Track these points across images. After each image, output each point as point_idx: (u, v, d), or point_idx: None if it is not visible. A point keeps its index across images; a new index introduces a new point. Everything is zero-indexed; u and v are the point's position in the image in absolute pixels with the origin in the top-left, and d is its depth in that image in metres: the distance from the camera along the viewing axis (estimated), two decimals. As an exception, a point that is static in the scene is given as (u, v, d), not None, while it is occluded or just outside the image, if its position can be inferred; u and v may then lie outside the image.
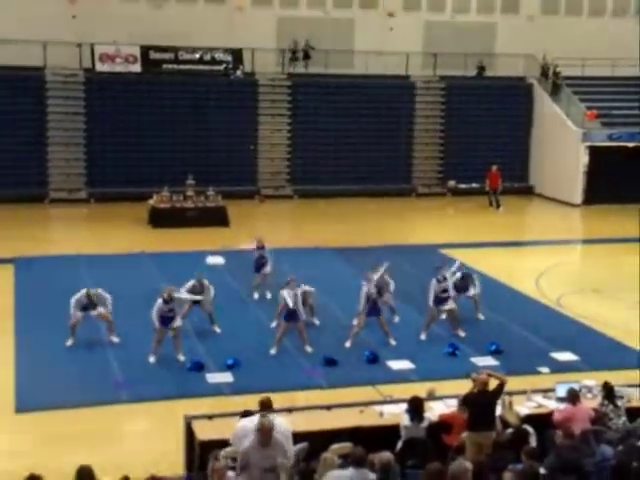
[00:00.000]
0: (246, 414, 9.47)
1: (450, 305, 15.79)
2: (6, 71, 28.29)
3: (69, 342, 14.87)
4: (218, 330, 15.80)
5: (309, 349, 14.84)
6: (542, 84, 32.67)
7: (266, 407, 9.36)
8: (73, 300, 15.04)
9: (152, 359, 14.26)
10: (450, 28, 33.25)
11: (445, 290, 15.72)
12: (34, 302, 17.31)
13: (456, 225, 27.48)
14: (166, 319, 14.28)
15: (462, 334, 15.74)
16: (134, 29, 29.31)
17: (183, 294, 15.34)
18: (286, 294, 14.84)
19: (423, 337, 15.72)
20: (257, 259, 17.89)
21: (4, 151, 28.10)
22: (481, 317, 16.93)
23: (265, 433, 8.26)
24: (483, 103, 32.49)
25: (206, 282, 15.89)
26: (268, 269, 17.86)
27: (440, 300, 15.69)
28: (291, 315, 14.76)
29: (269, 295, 17.77)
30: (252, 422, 8.93)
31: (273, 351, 14.76)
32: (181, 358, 14.33)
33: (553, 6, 34.39)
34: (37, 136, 28.63)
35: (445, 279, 15.82)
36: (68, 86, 29.19)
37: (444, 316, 16.11)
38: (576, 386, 11.04)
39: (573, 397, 10.25)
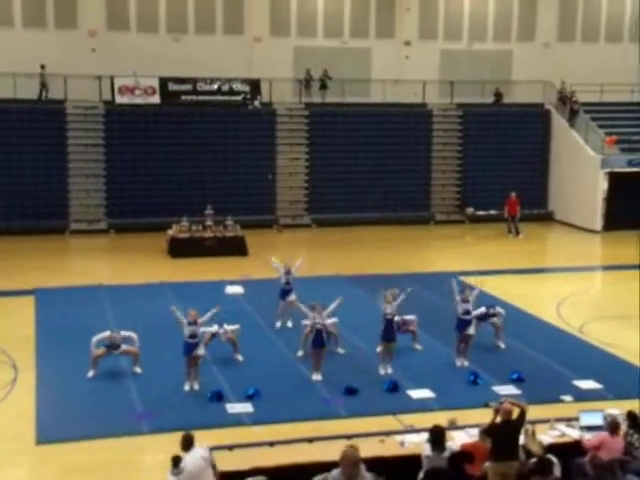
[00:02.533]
0: (176, 461, 9.47)
1: (471, 330, 15.68)
2: (28, 104, 28.69)
3: (90, 373, 14.90)
4: (241, 359, 15.78)
5: (319, 378, 14.79)
6: (560, 110, 32.66)
7: (188, 443, 9.50)
8: (95, 339, 15.10)
9: (187, 387, 14.31)
10: (466, 56, 33.45)
11: (467, 312, 15.60)
12: (55, 333, 17.37)
13: (475, 252, 27.38)
14: (190, 346, 14.29)
15: (465, 363, 15.58)
16: (153, 61, 29.68)
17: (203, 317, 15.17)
18: (310, 317, 15.03)
19: (459, 364, 15.60)
20: (284, 284, 17.92)
21: (25, 183, 28.42)
22: (502, 345, 16.81)
23: (349, 465, 7.86)
24: (501, 130, 32.54)
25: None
26: (293, 296, 17.87)
27: (462, 324, 15.59)
28: (318, 340, 14.81)
29: (290, 324, 17.76)
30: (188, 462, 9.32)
31: (316, 377, 14.77)
32: (195, 387, 14.33)
33: (569, 33, 34.52)
34: (58, 168, 28.91)
35: (468, 301, 15.68)
36: (88, 118, 29.51)
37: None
38: (600, 415, 10.93)
39: (612, 427, 10.11)
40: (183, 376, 14.39)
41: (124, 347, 15.11)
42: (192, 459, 9.49)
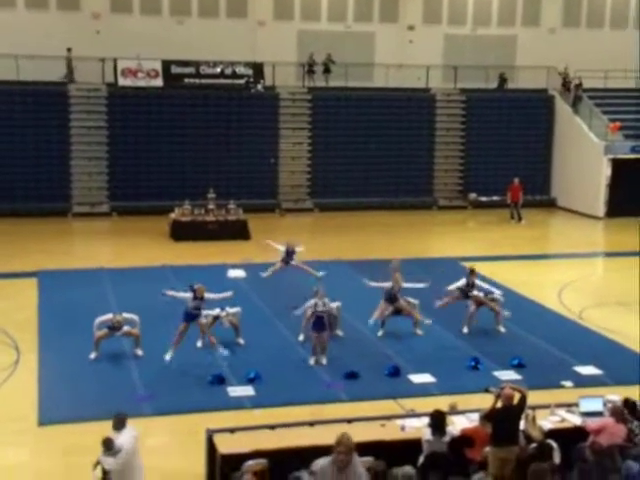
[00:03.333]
0: (109, 443, 9.45)
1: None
2: (31, 86, 28.64)
3: (93, 355, 14.96)
4: (242, 342, 15.82)
5: (323, 362, 14.83)
6: (564, 96, 32.56)
7: (121, 422, 9.67)
8: (97, 321, 15.15)
9: (168, 357, 14.39)
10: (470, 41, 33.33)
11: (471, 285, 16.34)
12: (57, 315, 17.41)
13: (478, 238, 27.38)
14: (191, 315, 14.40)
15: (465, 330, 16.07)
16: (156, 44, 29.58)
17: (213, 295, 15.37)
18: (312, 303, 15.05)
19: (465, 330, 16.13)
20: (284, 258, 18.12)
21: (28, 165, 28.42)
22: (502, 330, 16.85)
23: (344, 451, 7.81)
24: (504, 115, 32.46)
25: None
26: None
27: (466, 293, 16.29)
28: (319, 323, 14.84)
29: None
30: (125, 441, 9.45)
31: (312, 362, 14.81)
32: (221, 350, 14.64)
33: (574, 18, 34.36)
34: (60, 150, 28.90)
35: (474, 285, 16.25)
36: (91, 100, 29.47)
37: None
38: (600, 400, 10.96)
39: (616, 413, 10.14)
40: (184, 358, 14.42)
41: (126, 329, 15.17)
42: (127, 438, 9.55)
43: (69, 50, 28.88)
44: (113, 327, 15.05)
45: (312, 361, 14.84)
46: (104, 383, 13.95)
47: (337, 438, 7.95)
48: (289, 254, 18.65)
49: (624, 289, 20.15)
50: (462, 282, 16.77)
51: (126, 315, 15.37)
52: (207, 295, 14.91)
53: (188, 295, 14.71)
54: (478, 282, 16.87)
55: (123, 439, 9.50)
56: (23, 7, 29.72)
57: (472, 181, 32.23)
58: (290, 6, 32.02)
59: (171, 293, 14.91)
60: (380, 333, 16.06)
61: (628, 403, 10.48)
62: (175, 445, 12.13)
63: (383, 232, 27.24)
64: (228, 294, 15.60)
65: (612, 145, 30.20)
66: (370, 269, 21.08)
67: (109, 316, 15.21)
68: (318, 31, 32.10)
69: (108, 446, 9.38)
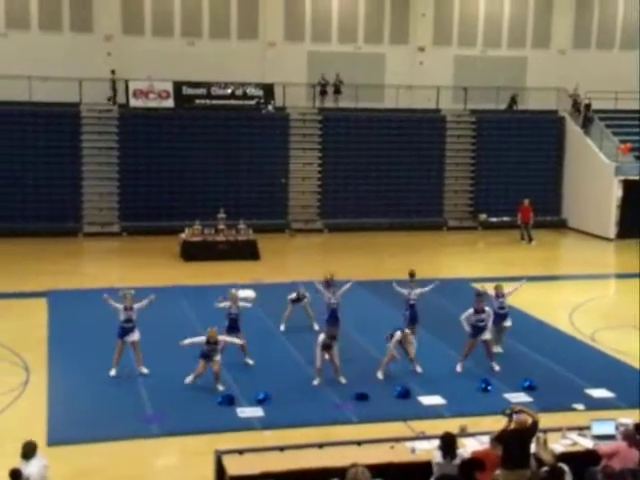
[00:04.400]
0: (16, 475, 8.99)
1: (486, 335, 15.66)
2: (43, 107, 28.83)
3: (112, 372, 15.07)
4: (251, 363, 15.79)
5: (343, 380, 14.82)
6: (574, 118, 32.57)
7: (31, 450, 9.41)
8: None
9: (188, 379, 14.55)
10: (481, 62, 33.42)
11: (482, 320, 15.61)
12: (67, 335, 17.43)
13: (488, 259, 27.31)
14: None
15: (497, 367, 15.58)
16: (167, 65, 29.82)
17: (228, 338, 15.38)
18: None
19: (459, 369, 15.58)
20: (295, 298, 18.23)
21: (39, 185, 28.57)
22: (500, 350, 16.65)
23: None
24: (514, 137, 32.46)
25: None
26: (306, 300, 18.15)
27: (477, 330, 15.58)
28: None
29: (317, 327, 17.63)
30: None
31: (316, 382, 14.78)
32: (220, 388, 14.42)
33: (584, 40, 34.43)
34: (72, 171, 29.04)
35: (484, 311, 15.71)
36: (103, 121, 29.63)
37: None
38: (612, 424, 10.86)
39: (629, 437, 10.03)
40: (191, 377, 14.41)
41: (135, 337, 15.10)
42: (37, 468, 9.24)
43: (113, 72, 29.26)
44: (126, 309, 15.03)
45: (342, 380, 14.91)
46: (113, 403, 13.94)
47: (351, 474, 7.79)
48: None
49: (636, 311, 20.02)
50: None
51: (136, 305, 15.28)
52: (220, 338, 14.80)
53: (120, 307, 15.09)
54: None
55: (32, 469, 9.18)
56: (37, 29, 30.00)
57: (482, 202, 32.20)
58: (300, 27, 32.22)
59: (187, 342, 14.81)
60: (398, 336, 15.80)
61: (639, 427, 10.36)
62: (184, 466, 12.09)
63: (393, 253, 27.20)
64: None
65: (623, 166, 30.14)
66: (380, 290, 21.04)
67: (120, 307, 15.15)
68: (328, 52, 32.26)
69: (15, 477, 8.94)
